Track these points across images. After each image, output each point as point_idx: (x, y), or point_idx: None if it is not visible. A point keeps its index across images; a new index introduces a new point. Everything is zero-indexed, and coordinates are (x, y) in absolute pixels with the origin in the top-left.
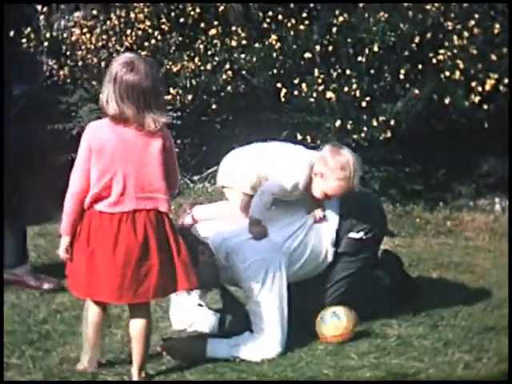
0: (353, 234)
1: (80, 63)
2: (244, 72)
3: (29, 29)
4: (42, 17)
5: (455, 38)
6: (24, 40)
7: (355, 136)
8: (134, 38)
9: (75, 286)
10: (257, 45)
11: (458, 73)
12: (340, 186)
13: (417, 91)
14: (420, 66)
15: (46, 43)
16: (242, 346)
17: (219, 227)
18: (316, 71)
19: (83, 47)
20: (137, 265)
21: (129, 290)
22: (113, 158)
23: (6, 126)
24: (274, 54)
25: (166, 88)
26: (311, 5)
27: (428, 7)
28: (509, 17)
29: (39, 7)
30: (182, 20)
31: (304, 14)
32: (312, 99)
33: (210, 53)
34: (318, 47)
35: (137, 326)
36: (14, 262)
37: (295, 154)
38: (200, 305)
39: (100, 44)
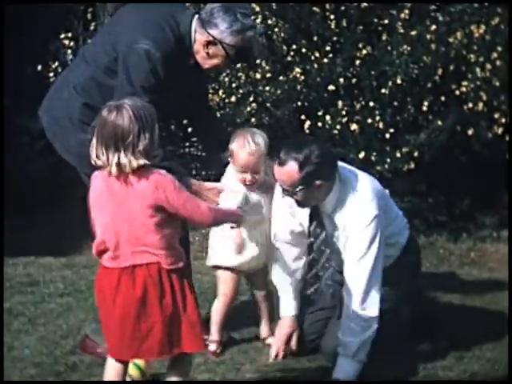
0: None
1: None
2: (268, 104)
3: (56, 63)
4: (69, 51)
5: (478, 70)
6: (51, 74)
7: (379, 167)
8: None
9: None
10: (281, 77)
11: (480, 104)
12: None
13: (440, 123)
14: (443, 98)
15: None
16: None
17: None
18: (340, 103)
19: None
20: (136, 321)
21: (130, 347)
22: (103, 212)
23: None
24: (298, 87)
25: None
26: (334, 38)
27: (451, 40)
28: (509, 16)
29: (66, 42)
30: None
31: (327, 47)
32: (336, 131)
33: (234, 85)
34: (341, 80)
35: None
36: None
37: None
38: None
39: None
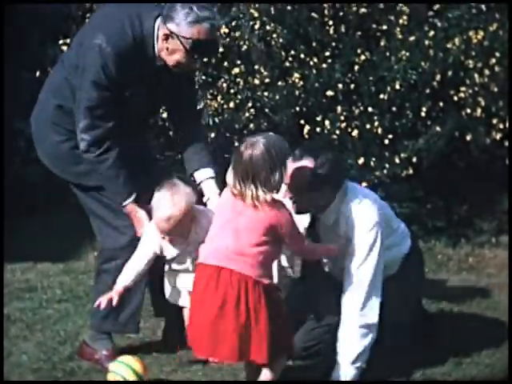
0: None
1: None
2: (267, 110)
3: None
4: None
5: (476, 75)
6: None
7: (377, 173)
8: None
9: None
10: (279, 83)
11: (479, 110)
12: None
13: (438, 128)
14: (441, 104)
15: None
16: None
17: None
18: (338, 109)
19: None
20: (215, 322)
21: (208, 345)
22: (217, 218)
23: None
24: (297, 92)
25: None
26: (333, 43)
27: (449, 46)
28: (509, 17)
29: (65, 48)
30: (205, 59)
31: (326, 53)
32: (335, 136)
33: (232, 91)
34: (340, 85)
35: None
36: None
37: None
38: None
39: None
